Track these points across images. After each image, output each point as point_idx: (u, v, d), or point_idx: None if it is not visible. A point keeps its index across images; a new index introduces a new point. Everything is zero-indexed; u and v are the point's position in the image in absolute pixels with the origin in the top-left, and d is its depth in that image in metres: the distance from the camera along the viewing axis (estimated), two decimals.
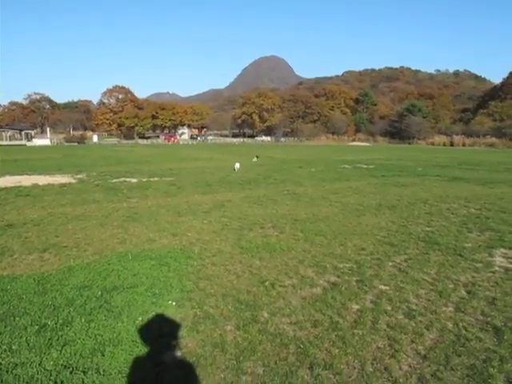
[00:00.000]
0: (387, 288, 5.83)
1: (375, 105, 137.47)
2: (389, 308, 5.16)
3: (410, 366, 3.91)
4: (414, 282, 6.08)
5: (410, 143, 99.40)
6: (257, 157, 33.12)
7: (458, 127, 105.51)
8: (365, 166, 27.87)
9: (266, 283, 5.89)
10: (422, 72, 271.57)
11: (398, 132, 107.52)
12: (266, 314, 4.92)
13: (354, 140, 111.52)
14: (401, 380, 3.68)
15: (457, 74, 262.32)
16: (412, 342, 4.34)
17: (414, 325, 4.71)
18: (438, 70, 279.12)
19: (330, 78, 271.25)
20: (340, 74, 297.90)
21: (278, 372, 3.77)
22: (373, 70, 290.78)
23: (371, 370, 3.84)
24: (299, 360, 3.98)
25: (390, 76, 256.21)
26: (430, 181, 19.69)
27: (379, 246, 7.92)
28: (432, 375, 3.76)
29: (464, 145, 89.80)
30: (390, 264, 6.89)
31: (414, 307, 5.18)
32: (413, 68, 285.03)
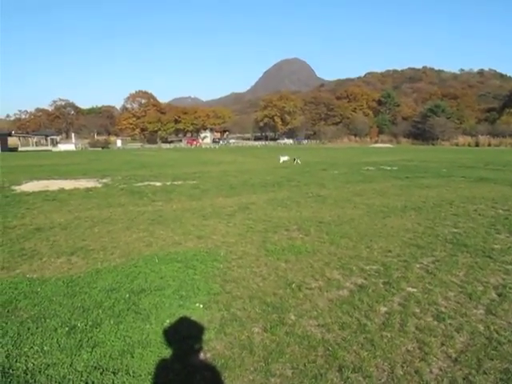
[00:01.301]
0: (415, 290, 5.76)
1: (398, 106, 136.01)
2: (417, 310, 5.09)
3: (441, 370, 3.84)
4: (443, 284, 5.99)
5: (433, 144, 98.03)
6: (294, 159, 32.48)
7: (484, 127, 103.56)
8: (388, 168, 27.59)
9: (293, 285, 5.88)
10: (445, 72, 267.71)
11: (421, 133, 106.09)
12: (293, 317, 4.90)
13: (376, 142, 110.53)
14: (432, 383, 3.62)
15: (481, 73, 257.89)
16: (442, 344, 4.27)
17: (444, 327, 4.63)
18: (462, 70, 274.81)
19: (352, 79, 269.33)
20: (362, 75, 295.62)
21: (306, 374, 3.75)
22: (395, 71, 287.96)
23: (401, 373, 3.79)
24: (328, 362, 3.95)
25: (413, 77, 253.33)
26: (456, 182, 19.37)
27: (406, 248, 7.83)
28: (464, 379, 3.69)
29: (490, 145, 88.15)
30: (418, 266, 6.80)
31: (443, 310, 5.10)
32: (436, 68, 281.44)
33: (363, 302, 5.33)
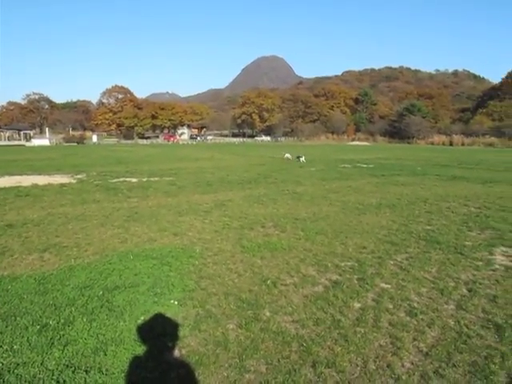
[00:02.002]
0: (389, 286, 5.84)
1: (375, 104, 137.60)
2: (390, 306, 5.17)
3: (413, 364, 3.91)
4: (416, 280, 6.09)
5: (409, 143, 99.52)
6: (298, 157, 31.87)
7: (458, 127, 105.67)
8: (364, 166, 27.90)
9: (268, 282, 5.90)
10: (421, 72, 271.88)
11: (397, 132, 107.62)
12: (268, 313, 4.92)
13: (353, 139, 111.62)
14: (403, 377, 3.68)
15: (456, 73, 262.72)
16: (414, 339, 4.34)
17: (416, 323, 4.71)
18: (438, 70, 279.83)
19: (330, 77, 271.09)
20: (339, 73, 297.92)
21: (280, 370, 3.77)
22: (372, 70, 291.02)
23: (374, 367, 3.85)
24: (302, 358, 3.98)
25: (390, 76, 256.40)
26: (430, 180, 19.71)
27: (380, 245, 7.93)
28: (434, 372, 3.76)
29: (463, 144, 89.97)
30: (391, 262, 6.90)
31: (416, 305, 5.19)
32: (412, 68, 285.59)
33: (338, 297, 5.38)
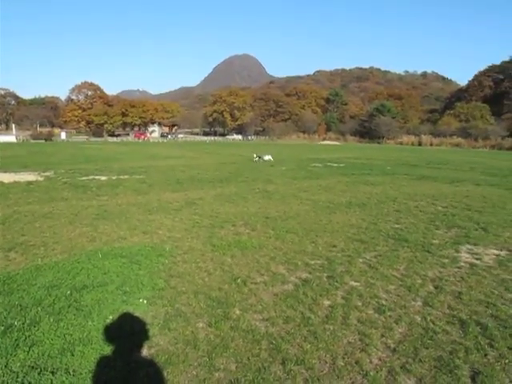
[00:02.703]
0: (358, 284, 5.92)
1: (345, 104, 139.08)
2: (359, 303, 5.24)
3: (380, 360, 3.98)
4: (384, 277, 6.19)
5: (379, 143, 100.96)
6: (259, 157, 30.62)
7: (426, 127, 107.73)
8: (335, 165, 28.18)
9: (238, 280, 5.90)
10: (391, 73, 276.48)
11: (367, 131, 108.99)
12: (237, 311, 4.92)
13: (324, 139, 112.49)
14: (371, 373, 3.74)
15: (424, 75, 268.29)
16: (382, 336, 4.42)
17: (384, 319, 4.79)
18: (407, 71, 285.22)
19: (302, 77, 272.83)
20: (311, 73, 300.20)
21: (250, 368, 3.78)
22: (343, 70, 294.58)
23: (342, 364, 3.89)
24: (271, 356, 3.99)
25: (360, 76, 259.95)
26: (399, 179, 20.05)
27: (350, 243, 8.03)
28: (401, 367, 3.84)
29: (432, 144, 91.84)
30: (361, 260, 6.99)
31: (384, 302, 5.27)
32: (382, 69, 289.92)
33: (307, 295, 5.42)
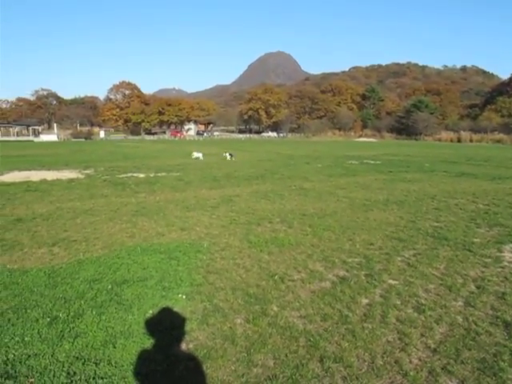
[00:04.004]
0: (396, 282, 5.83)
1: (382, 100, 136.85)
2: (398, 302, 5.16)
3: (420, 360, 3.91)
4: (423, 276, 6.07)
5: (416, 139, 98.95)
6: (230, 155, 28.69)
7: (466, 123, 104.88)
8: (372, 162, 27.79)
9: (275, 277, 5.91)
10: (429, 67, 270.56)
11: (404, 128, 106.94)
12: (275, 308, 4.93)
13: (360, 136, 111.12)
14: (411, 373, 3.68)
15: (464, 69, 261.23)
16: (422, 335, 4.34)
17: (424, 319, 4.70)
18: (446, 66, 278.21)
19: (337, 73, 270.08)
20: (347, 69, 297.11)
21: (288, 364, 3.78)
22: (380, 66, 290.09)
23: (381, 363, 3.85)
24: (309, 353, 3.99)
25: (397, 72, 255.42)
26: (438, 176, 19.61)
27: (388, 241, 7.92)
28: (442, 368, 3.76)
29: (471, 141, 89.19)
30: (399, 259, 6.88)
31: (424, 301, 5.18)
32: (420, 64, 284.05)
33: (345, 293, 5.38)
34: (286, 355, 3.94)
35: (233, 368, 3.73)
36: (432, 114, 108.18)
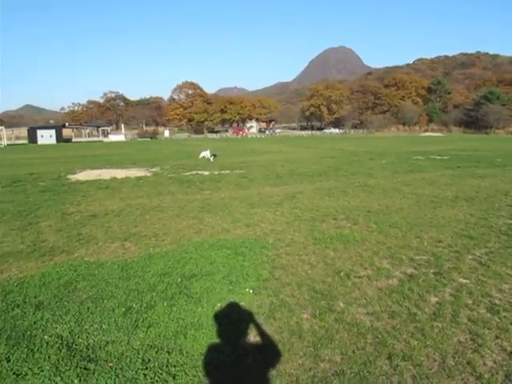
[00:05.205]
0: (467, 281, 5.63)
1: (449, 93, 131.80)
2: (469, 302, 4.98)
3: (496, 362, 3.75)
4: (497, 276, 5.82)
5: (487, 133, 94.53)
6: (214, 156, 26.28)
7: None
8: (439, 157, 26.83)
9: (341, 274, 5.88)
10: (500, 56, 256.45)
11: (473, 121, 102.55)
12: (341, 304, 4.92)
13: (426, 130, 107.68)
14: (486, 376, 3.55)
15: None
16: (496, 337, 4.17)
17: (498, 320, 4.51)
18: None
19: (401, 67, 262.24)
20: (411, 62, 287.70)
21: (356, 361, 3.77)
22: (446, 57, 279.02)
23: (453, 363, 3.74)
24: (377, 350, 3.95)
25: (465, 62, 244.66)
26: (511, 172, 18.64)
27: (457, 239, 7.65)
28: None
29: None
30: (470, 257, 6.63)
31: (498, 302, 4.97)
32: (491, 53, 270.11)
33: (413, 291, 5.27)
34: (354, 351, 3.93)
35: (300, 362, 3.77)
36: (504, 105, 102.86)
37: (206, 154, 26.63)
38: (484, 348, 3.97)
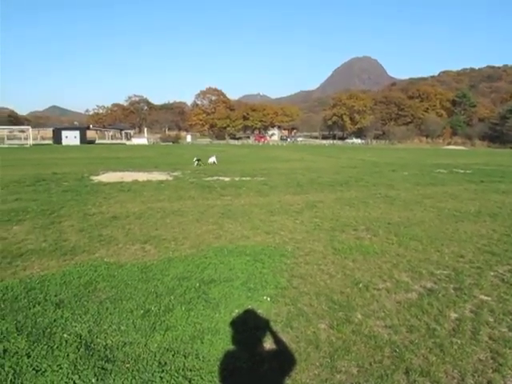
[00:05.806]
0: (489, 298, 5.53)
1: (474, 106, 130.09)
2: (491, 319, 4.90)
3: None
4: None
5: None
6: (198, 160, 26.33)
7: None
8: (462, 171, 26.45)
9: (360, 285, 5.84)
10: None
11: (498, 136, 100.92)
12: (359, 316, 4.88)
13: (449, 143, 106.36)
14: None
15: None
16: None
17: None
18: None
19: (425, 78, 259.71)
20: (436, 74, 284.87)
21: (372, 374, 3.74)
22: (472, 70, 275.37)
23: (472, 382, 3.67)
24: (394, 364, 3.91)
25: (492, 75, 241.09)
26: None
27: (479, 255, 7.52)
28: None
29: None
30: (492, 274, 6.52)
31: None
32: None
33: (433, 306, 5.20)
34: (371, 364, 3.89)
35: (316, 372, 3.75)
36: None
37: (213, 159, 27.58)
38: (505, 368, 3.89)
